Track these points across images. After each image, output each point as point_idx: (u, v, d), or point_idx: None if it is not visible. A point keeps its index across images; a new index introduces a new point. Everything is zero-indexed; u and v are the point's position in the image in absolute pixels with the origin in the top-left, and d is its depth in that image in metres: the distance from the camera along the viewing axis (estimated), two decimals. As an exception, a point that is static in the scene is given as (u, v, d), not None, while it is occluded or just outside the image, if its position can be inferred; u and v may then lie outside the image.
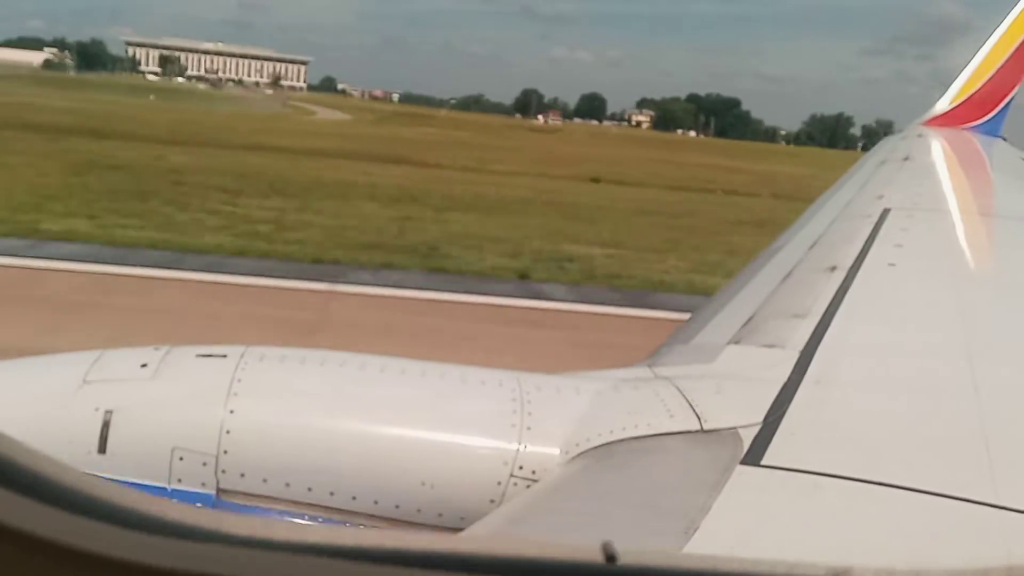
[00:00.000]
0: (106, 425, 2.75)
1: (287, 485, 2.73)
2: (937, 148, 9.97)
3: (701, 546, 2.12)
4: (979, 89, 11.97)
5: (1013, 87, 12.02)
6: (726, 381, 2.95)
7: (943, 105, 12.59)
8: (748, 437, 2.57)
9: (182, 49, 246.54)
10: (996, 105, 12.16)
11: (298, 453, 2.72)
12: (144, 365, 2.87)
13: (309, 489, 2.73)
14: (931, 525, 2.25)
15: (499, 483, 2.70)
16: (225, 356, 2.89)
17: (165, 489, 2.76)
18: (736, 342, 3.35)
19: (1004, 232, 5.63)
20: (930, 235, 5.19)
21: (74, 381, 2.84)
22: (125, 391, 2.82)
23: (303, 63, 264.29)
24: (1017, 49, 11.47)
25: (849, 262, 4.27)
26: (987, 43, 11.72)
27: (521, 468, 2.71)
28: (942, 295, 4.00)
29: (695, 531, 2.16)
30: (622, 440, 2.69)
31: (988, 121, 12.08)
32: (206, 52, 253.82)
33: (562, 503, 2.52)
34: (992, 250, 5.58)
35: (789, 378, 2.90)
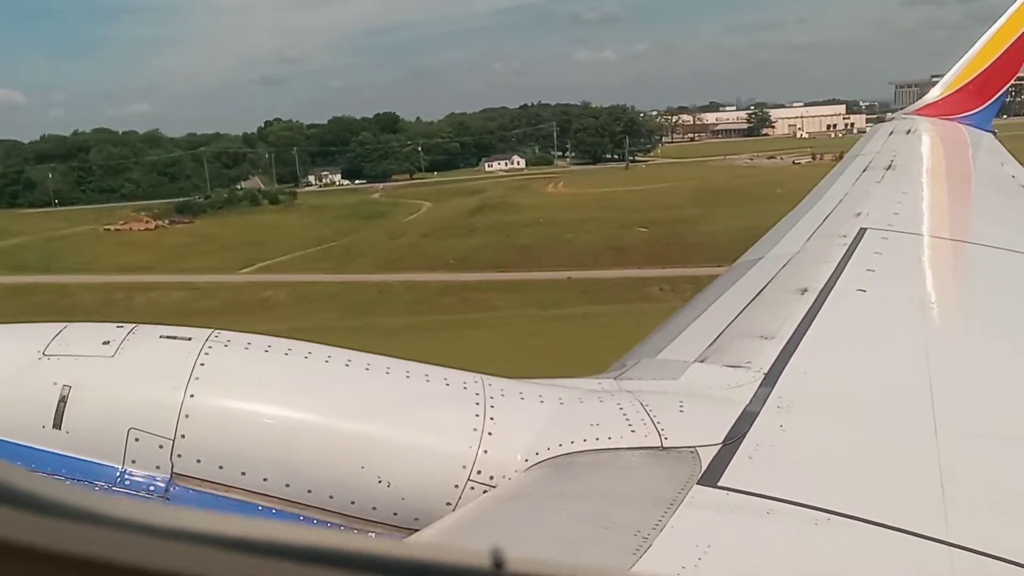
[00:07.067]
0: (63, 400, 2.72)
1: (243, 474, 2.71)
2: (924, 152, 9.93)
3: (651, 564, 2.13)
4: (973, 79, 11.96)
5: (1007, 80, 12.02)
6: (689, 399, 2.95)
7: (936, 93, 12.58)
8: (707, 457, 2.59)
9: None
10: (990, 97, 12.16)
11: (256, 442, 2.70)
12: (107, 343, 2.82)
13: (265, 479, 2.71)
14: (878, 556, 2.27)
15: (456, 486, 2.70)
16: (190, 339, 2.85)
17: (118, 469, 2.74)
18: (702, 360, 3.36)
19: (977, 260, 5.67)
20: (903, 261, 5.23)
21: (33, 353, 2.80)
22: (85, 367, 2.78)
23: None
24: (1014, 43, 11.43)
25: (820, 284, 4.29)
26: (984, 35, 11.69)
27: (479, 473, 2.70)
28: (909, 325, 4.02)
29: (647, 549, 2.18)
30: (582, 451, 2.69)
31: (981, 112, 12.09)
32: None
33: (516, 512, 2.52)
34: (964, 279, 5.61)
35: (752, 400, 2.92)
